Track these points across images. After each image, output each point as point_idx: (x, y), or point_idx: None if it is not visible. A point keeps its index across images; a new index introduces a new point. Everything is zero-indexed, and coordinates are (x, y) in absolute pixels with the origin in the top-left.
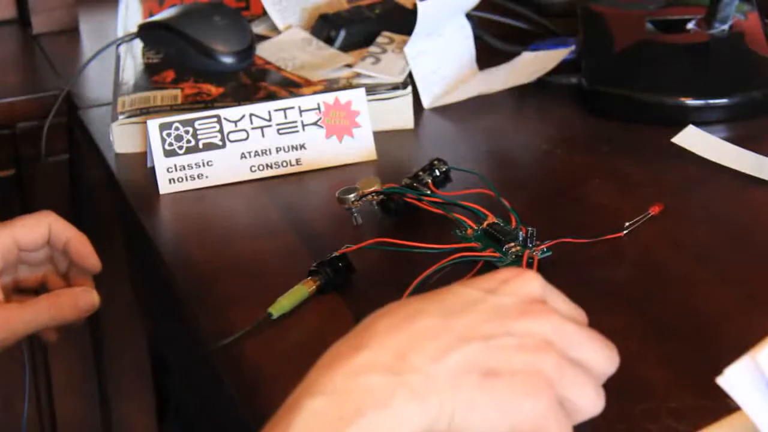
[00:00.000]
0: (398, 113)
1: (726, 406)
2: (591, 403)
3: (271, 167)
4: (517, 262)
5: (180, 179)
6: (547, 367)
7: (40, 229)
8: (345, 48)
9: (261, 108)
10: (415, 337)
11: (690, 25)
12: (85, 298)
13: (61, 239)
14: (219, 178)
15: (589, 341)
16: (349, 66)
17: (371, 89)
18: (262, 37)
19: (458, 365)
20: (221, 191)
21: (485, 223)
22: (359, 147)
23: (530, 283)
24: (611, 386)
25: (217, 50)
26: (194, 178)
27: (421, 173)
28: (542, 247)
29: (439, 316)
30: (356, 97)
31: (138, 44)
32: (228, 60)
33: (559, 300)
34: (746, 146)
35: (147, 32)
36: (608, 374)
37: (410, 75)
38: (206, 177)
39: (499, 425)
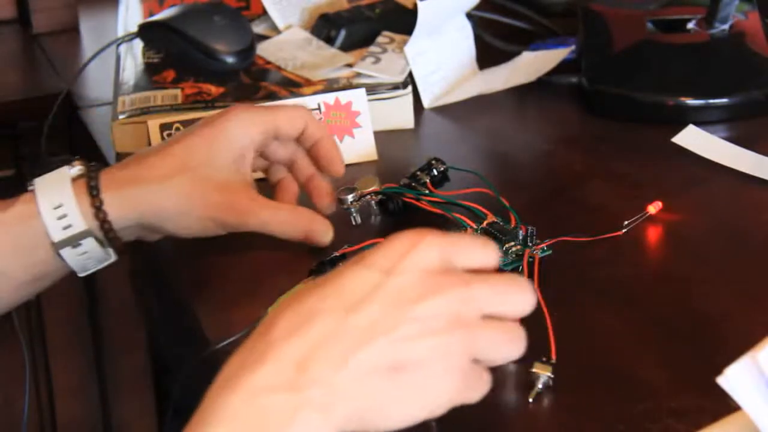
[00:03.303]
0: (398, 113)
1: (726, 406)
2: (508, 352)
3: None
4: (517, 261)
5: None
6: (455, 344)
7: (299, 121)
8: (345, 48)
9: None
10: (314, 344)
11: (690, 25)
12: (319, 230)
13: (313, 138)
14: None
15: (499, 294)
16: (350, 66)
17: (371, 89)
18: (263, 37)
19: (363, 367)
20: None
21: (485, 223)
22: (360, 147)
23: (427, 253)
24: (611, 386)
25: (217, 50)
26: None
27: (419, 173)
28: (542, 245)
29: (337, 313)
30: (357, 97)
31: (138, 44)
32: (228, 59)
33: (462, 253)
34: (746, 146)
35: (147, 32)
36: (526, 313)
37: (410, 75)
38: None
39: (416, 413)
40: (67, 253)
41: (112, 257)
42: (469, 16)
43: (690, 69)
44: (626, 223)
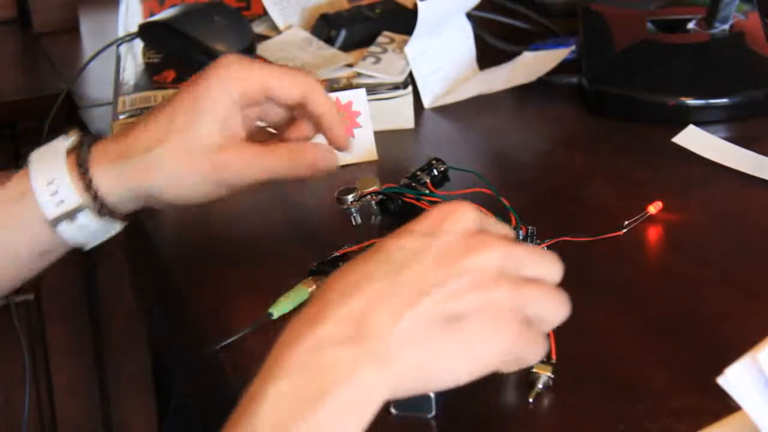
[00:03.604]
0: (399, 113)
1: (726, 406)
2: (556, 312)
3: None
4: None
5: None
6: (505, 296)
7: (294, 90)
8: (345, 48)
9: None
10: (370, 302)
11: (690, 25)
12: (326, 158)
13: (314, 113)
14: None
15: (533, 257)
16: (350, 66)
17: (372, 89)
18: (263, 37)
19: (419, 320)
20: None
21: None
22: (360, 147)
23: (465, 215)
24: (611, 386)
25: (217, 50)
26: None
27: (419, 173)
28: (542, 246)
29: (388, 274)
30: (357, 97)
31: (138, 44)
32: None
33: (494, 224)
34: (746, 146)
35: (147, 32)
36: (557, 281)
37: (411, 75)
38: None
39: (472, 365)
40: (64, 228)
41: (115, 228)
42: (469, 16)
43: (690, 69)
44: (626, 223)
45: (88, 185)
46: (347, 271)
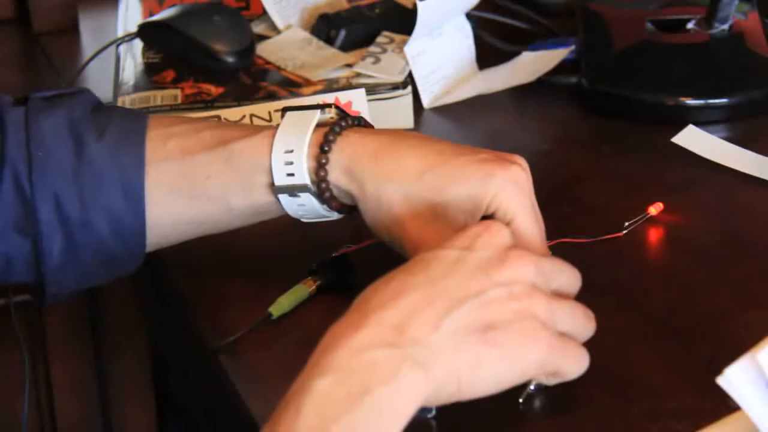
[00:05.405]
0: (398, 113)
1: (726, 406)
2: (584, 327)
3: None
4: None
5: None
6: (539, 309)
7: (469, 208)
8: (345, 48)
9: (261, 108)
10: (410, 310)
11: (690, 25)
12: None
13: (504, 219)
14: None
15: (559, 271)
16: (349, 66)
17: (371, 89)
18: (262, 37)
19: (456, 327)
20: None
21: None
22: None
23: (500, 232)
24: (611, 386)
25: (217, 50)
26: None
27: None
28: None
29: (427, 284)
30: (356, 97)
31: (138, 44)
32: (228, 59)
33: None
34: (746, 146)
35: (147, 32)
36: (577, 290)
37: (410, 75)
38: None
39: (507, 374)
40: (285, 199)
41: (333, 215)
42: (469, 16)
43: (690, 69)
44: (627, 224)
45: (319, 167)
46: (385, 282)
